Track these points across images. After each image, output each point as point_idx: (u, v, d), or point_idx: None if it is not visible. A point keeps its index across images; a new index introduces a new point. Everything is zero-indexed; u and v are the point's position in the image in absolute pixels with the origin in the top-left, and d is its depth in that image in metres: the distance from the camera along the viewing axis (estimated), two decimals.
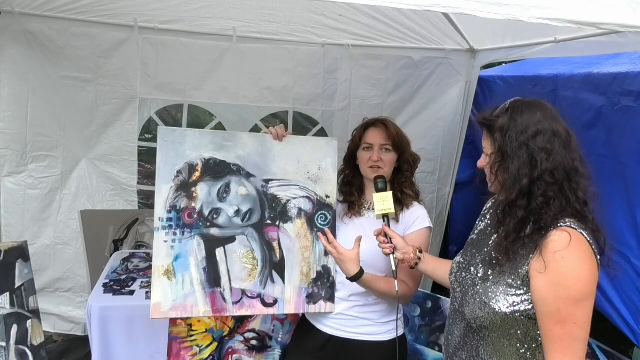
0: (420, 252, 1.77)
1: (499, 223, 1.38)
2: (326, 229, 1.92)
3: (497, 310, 1.32)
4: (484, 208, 1.63)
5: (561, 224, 1.27)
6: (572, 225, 1.26)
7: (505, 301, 1.31)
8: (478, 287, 1.38)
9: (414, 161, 2.00)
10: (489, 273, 1.38)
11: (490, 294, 1.34)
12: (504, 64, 4.04)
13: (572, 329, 1.22)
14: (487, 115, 1.40)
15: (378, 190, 1.82)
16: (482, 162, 1.45)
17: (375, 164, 1.91)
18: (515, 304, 1.30)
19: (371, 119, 2.02)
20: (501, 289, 1.32)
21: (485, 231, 1.53)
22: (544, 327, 1.26)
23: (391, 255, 1.74)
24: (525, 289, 1.29)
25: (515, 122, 1.32)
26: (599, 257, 1.28)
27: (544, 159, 1.27)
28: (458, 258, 1.57)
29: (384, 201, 1.78)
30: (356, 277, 1.79)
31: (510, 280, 1.31)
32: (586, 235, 1.26)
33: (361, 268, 1.80)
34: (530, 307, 1.29)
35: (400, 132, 1.97)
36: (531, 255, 1.28)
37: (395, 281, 1.74)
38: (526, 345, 1.33)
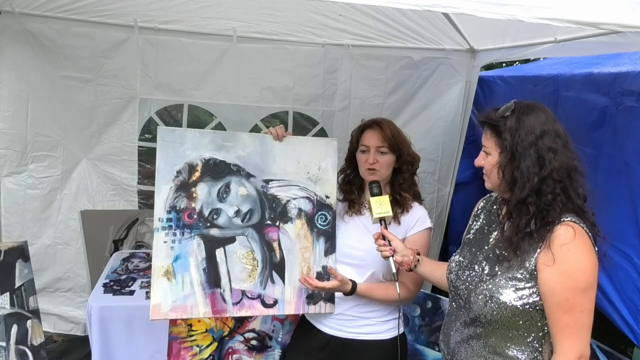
0: (419, 254, 1.78)
1: (506, 220, 1.44)
2: (330, 267, 1.92)
3: (507, 303, 1.38)
4: (476, 208, 1.66)
5: (564, 219, 1.34)
6: (574, 220, 1.34)
7: (515, 294, 1.38)
8: (487, 284, 1.43)
9: (414, 162, 1.99)
10: (496, 269, 1.44)
11: (500, 288, 1.40)
12: (504, 65, 4.04)
13: (579, 316, 1.31)
14: (492, 116, 1.44)
15: (373, 195, 1.83)
16: (481, 160, 1.50)
17: (372, 167, 1.91)
18: (524, 296, 1.37)
19: (368, 120, 2.00)
20: (510, 283, 1.39)
21: (483, 230, 1.58)
22: (553, 316, 1.33)
23: (391, 258, 1.75)
24: (533, 282, 1.36)
25: (523, 123, 1.38)
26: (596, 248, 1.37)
27: (551, 158, 1.34)
28: (456, 257, 1.61)
29: (381, 205, 1.79)
30: (352, 291, 1.86)
31: (519, 275, 1.38)
32: (586, 229, 1.35)
33: (353, 282, 1.86)
34: (538, 298, 1.36)
35: (396, 133, 1.94)
36: (538, 250, 1.35)
37: (397, 283, 1.75)
38: (533, 335, 1.40)
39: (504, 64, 4.26)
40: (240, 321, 2.30)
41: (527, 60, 4.29)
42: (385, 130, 1.93)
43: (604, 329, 2.23)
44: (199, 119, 3.55)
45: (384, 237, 1.78)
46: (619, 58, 2.51)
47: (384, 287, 1.88)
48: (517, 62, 4.37)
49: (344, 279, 1.85)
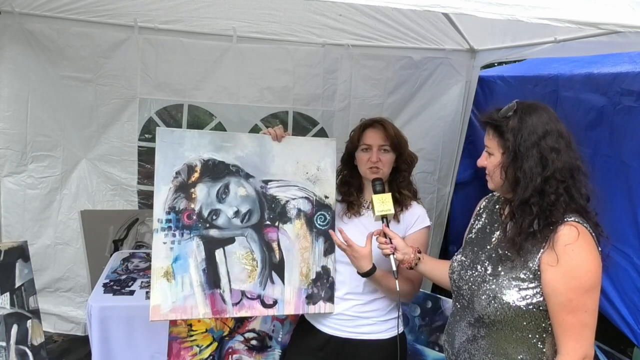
0: (419, 252, 1.78)
1: (509, 220, 1.44)
2: (339, 228, 1.89)
3: (511, 304, 1.37)
4: (478, 207, 1.66)
5: (567, 219, 1.34)
6: (577, 220, 1.34)
7: (518, 295, 1.37)
8: (490, 284, 1.43)
9: (412, 161, 2.00)
10: (499, 269, 1.43)
11: (503, 289, 1.39)
12: (504, 64, 4.04)
13: (583, 317, 1.30)
14: (494, 116, 1.44)
15: (376, 192, 1.83)
16: (483, 160, 1.49)
17: (374, 165, 1.91)
18: (528, 297, 1.36)
19: (369, 119, 2.01)
20: (514, 284, 1.38)
21: (485, 229, 1.58)
22: (556, 317, 1.33)
23: (391, 256, 1.75)
24: (536, 282, 1.36)
25: (525, 123, 1.37)
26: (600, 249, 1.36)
27: (554, 158, 1.34)
28: (458, 257, 1.61)
29: (383, 202, 1.78)
30: (369, 273, 1.81)
31: (522, 275, 1.38)
32: (590, 229, 1.34)
33: (373, 265, 1.82)
34: (541, 299, 1.35)
35: (398, 132, 1.96)
36: (541, 250, 1.35)
37: (396, 281, 1.75)
38: (537, 335, 1.39)
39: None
40: (240, 321, 2.30)
41: None
42: (388, 129, 1.94)
43: (604, 329, 2.23)
44: (199, 119, 3.56)
45: (385, 235, 1.78)
46: (619, 58, 2.51)
47: (391, 279, 1.87)
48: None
49: (368, 250, 1.80)
